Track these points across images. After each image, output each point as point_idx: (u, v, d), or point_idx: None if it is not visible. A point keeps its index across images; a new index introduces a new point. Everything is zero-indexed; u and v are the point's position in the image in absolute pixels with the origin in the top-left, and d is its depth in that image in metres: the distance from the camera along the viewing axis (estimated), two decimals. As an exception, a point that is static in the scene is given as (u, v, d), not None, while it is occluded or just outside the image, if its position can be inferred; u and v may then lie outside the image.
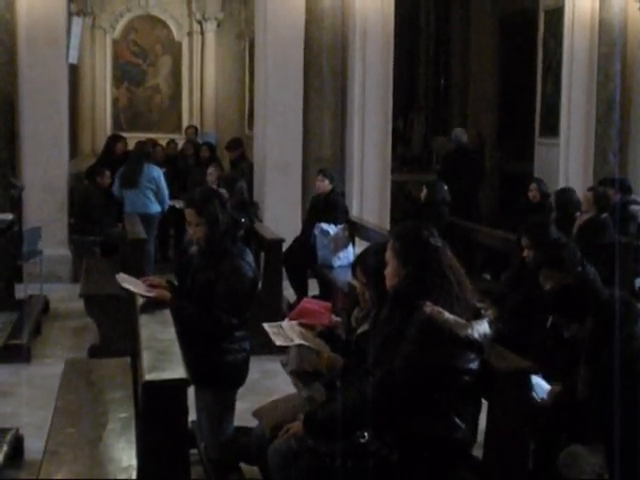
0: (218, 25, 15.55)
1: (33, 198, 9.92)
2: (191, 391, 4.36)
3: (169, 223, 11.21)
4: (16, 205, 9.60)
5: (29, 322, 7.82)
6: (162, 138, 13.60)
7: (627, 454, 3.52)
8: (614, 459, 3.59)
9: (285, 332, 4.25)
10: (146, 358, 3.42)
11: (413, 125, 15.54)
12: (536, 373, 4.00)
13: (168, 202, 10.20)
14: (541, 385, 4.19)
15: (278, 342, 4.17)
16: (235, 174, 9.46)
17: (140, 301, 4.50)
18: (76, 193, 10.75)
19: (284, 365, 4.33)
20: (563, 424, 4.09)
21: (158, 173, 10.13)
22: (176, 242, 11.40)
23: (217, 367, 4.60)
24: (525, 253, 5.73)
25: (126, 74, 15.45)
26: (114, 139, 12.14)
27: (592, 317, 3.86)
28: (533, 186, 9.18)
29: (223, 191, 6.95)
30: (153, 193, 9.97)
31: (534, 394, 4.06)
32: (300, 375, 4.23)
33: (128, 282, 4.65)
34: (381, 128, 10.80)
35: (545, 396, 4.15)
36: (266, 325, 4.34)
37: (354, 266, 4.13)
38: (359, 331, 4.03)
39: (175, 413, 3.12)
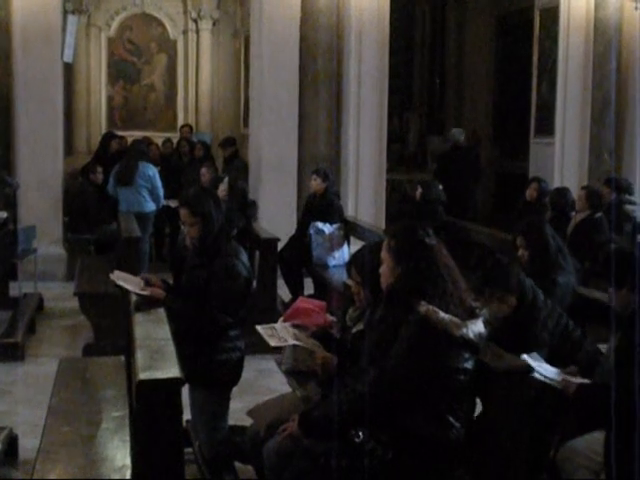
0: (214, 24, 15.53)
1: (28, 196, 9.91)
2: (186, 390, 4.35)
3: (164, 222, 11.20)
4: (11, 203, 9.58)
5: (23, 320, 7.80)
6: (157, 136, 13.58)
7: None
8: (613, 449, 3.61)
9: (279, 333, 4.24)
10: (140, 357, 3.41)
11: (408, 124, 15.55)
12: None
13: (163, 201, 10.20)
14: (543, 365, 4.13)
15: (273, 343, 4.17)
16: (235, 175, 9.46)
17: (134, 298, 4.49)
18: (70, 191, 10.74)
19: (279, 364, 4.33)
20: (574, 409, 4.08)
21: (153, 172, 10.13)
22: (171, 241, 11.39)
23: (211, 366, 4.59)
24: (520, 253, 5.73)
25: (121, 72, 15.41)
26: (109, 137, 12.12)
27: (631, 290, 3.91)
28: (533, 185, 9.13)
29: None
30: (148, 192, 9.97)
31: (537, 375, 3.98)
32: (295, 374, 4.23)
33: (124, 279, 4.65)
34: (376, 127, 10.80)
35: (555, 376, 4.08)
36: (259, 327, 4.33)
37: (349, 265, 4.13)
38: (354, 330, 4.03)
39: (169, 412, 3.12)
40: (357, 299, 4.02)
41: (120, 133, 13.14)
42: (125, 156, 10.46)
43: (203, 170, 9.54)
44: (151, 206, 10.04)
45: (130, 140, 11.51)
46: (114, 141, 12.00)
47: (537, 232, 5.73)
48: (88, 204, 10.29)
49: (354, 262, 4.07)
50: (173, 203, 9.71)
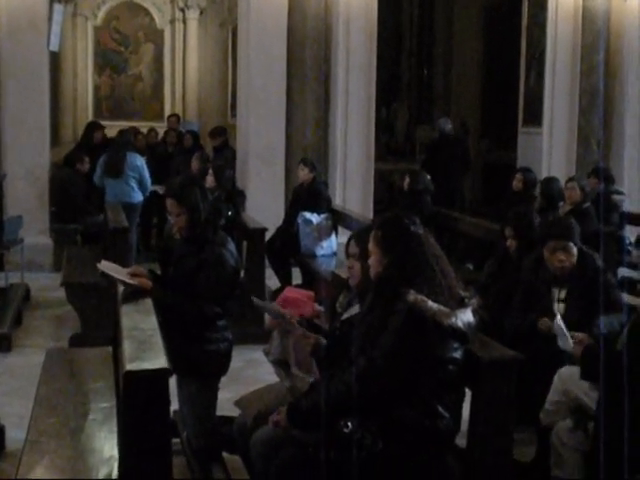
0: (201, 13, 15.50)
1: (14, 186, 9.87)
2: (173, 381, 4.34)
3: (152, 212, 11.17)
4: (-3, 194, 9.55)
5: (10, 311, 7.76)
6: (144, 126, 13.56)
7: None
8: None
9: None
10: (127, 348, 3.39)
11: (396, 114, 15.54)
12: None
13: (150, 187, 10.17)
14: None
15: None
16: (222, 162, 9.42)
17: (122, 289, 4.47)
18: (56, 180, 10.68)
19: (267, 354, 4.30)
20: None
21: (141, 162, 10.11)
22: (158, 231, 11.36)
23: (199, 356, 4.58)
24: (508, 243, 5.75)
25: (108, 62, 15.38)
26: (92, 127, 12.08)
27: None
28: (518, 175, 9.14)
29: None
30: (136, 182, 9.94)
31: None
32: (282, 364, 4.21)
33: (110, 269, 4.62)
34: (365, 117, 10.78)
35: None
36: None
37: (349, 240, 4.06)
38: (343, 317, 4.01)
39: (157, 403, 3.10)
40: (350, 274, 3.96)
41: (107, 123, 13.09)
42: (111, 147, 10.42)
43: (193, 159, 9.52)
44: (138, 197, 10.01)
45: (117, 130, 11.44)
46: (97, 131, 11.95)
47: (525, 222, 5.75)
48: (75, 194, 10.25)
49: (355, 235, 4.02)
50: (161, 189, 9.68)
